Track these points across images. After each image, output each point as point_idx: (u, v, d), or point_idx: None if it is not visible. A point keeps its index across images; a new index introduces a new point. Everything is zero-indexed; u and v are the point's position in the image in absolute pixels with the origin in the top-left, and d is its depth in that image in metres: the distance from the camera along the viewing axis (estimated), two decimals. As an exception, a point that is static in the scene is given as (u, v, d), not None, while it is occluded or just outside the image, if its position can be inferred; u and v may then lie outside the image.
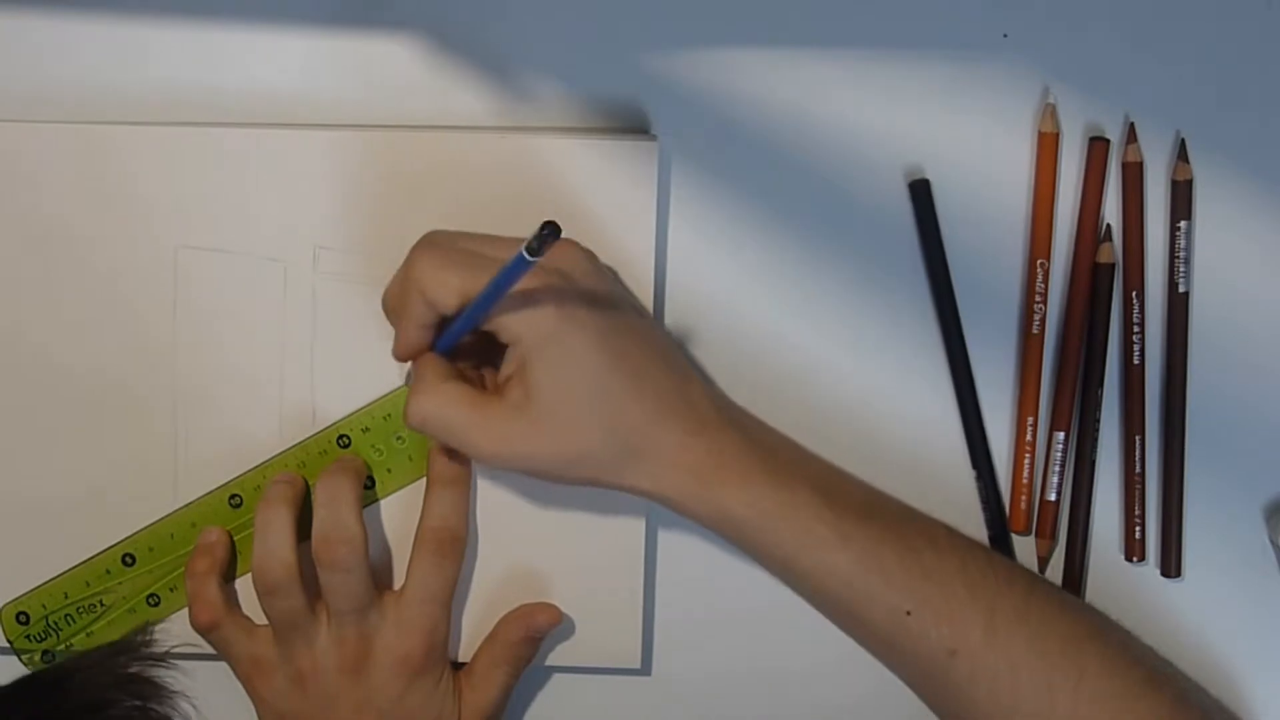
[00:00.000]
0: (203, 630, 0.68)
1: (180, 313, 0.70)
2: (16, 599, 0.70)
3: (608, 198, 0.68)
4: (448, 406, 0.62)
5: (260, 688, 0.68)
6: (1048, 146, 0.69)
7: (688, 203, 0.70)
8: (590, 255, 0.64)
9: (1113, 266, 0.69)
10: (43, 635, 0.70)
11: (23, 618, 0.70)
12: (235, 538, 0.70)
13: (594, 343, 0.62)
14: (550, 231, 0.56)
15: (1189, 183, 0.69)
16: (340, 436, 0.69)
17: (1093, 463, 0.70)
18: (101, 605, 0.70)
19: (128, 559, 0.70)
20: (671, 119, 0.70)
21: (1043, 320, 0.70)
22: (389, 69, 0.70)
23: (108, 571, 0.70)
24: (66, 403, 0.70)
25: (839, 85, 0.70)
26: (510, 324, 0.61)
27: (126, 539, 0.70)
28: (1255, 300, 0.70)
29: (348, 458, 0.69)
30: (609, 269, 0.66)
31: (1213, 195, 0.70)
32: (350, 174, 0.69)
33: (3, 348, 0.70)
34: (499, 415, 0.62)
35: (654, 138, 0.69)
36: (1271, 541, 0.70)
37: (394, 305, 0.65)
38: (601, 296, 0.63)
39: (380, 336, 0.69)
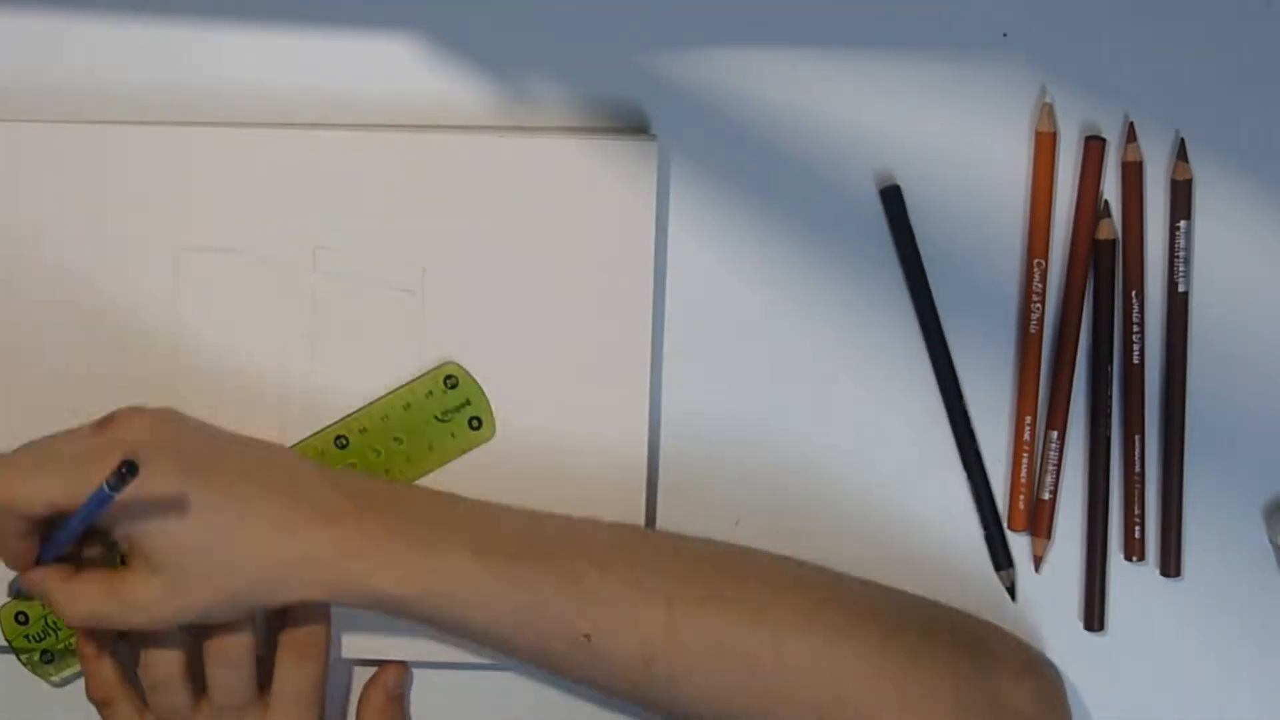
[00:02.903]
0: (97, 704, 0.68)
1: (180, 313, 0.70)
2: (13, 602, 0.70)
3: (607, 197, 0.69)
4: (95, 602, 0.63)
5: None
6: (1045, 146, 0.69)
7: (687, 202, 0.70)
8: (160, 414, 0.65)
9: (1114, 243, 0.69)
10: (42, 635, 0.70)
11: (21, 618, 0.70)
12: None
13: (190, 499, 0.62)
14: (129, 470, 0.58)
15: (1189, 182, 0.69)
16: (338, 438, 0.69)
17: (1092, 462, 0.70)
18: None
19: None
20: (671, 119, 0.70)
21: (1040, 319, 0.70)
22: (389, 69, 0.70)
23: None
24: (67, 403, 0.70)
25: (838, 84, 0.70)
26: (106, 518, 0.62)
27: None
28: (1255, 300, 0.70)
29: None
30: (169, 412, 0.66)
31: (1213, 195, 0.70)
32: (350, 174, 0.69)
33: (3, 348, 0.70)
34: (141, 589, 0.62)
35: (653, 137, 0.69)
36: (1271, 541, 0.70)
37: None
38: (184, 449, 0.63)
39: (380, 335, 0.69)
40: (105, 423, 0.64)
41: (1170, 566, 0.70)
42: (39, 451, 0.64)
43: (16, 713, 0.72)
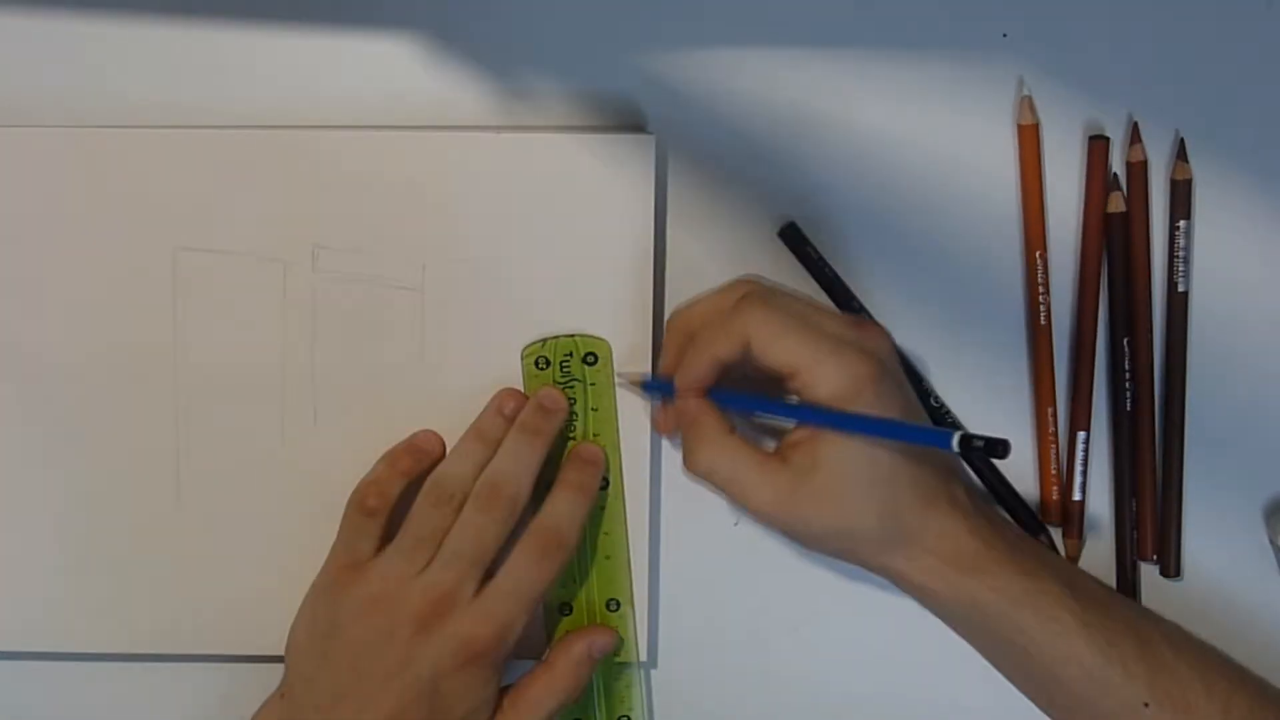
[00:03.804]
0: (356, 508, 0.68)
1: (180, 314, 0.70)
2: None
3: (606, 193, 0.69)
4: (734, 462, 0.64)
5: (342, 589, 0.66)
6: (1028, 139, 0.69)
7: (685, 197, 0.70)
8: (892, 341, 0.66)
9: (1125, 215, 0.69)
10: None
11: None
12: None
13: (871, 440, 0.63)
14: (1001, 450, 0.58)
15: (1188, 182, 0.69)
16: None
17: (1117, 463, 0.70)
18: None
19: None
20: (668, 117, 0.70)
21: (1048, 311, 0.70)
22: (389, 69, 0.70)
23: None
24: (67, 404, 0.70)
25: (837, 84, 0.70)
26: (818, 392, 0.62)
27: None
28: (1255, 300, 0.70)
29: (556, 406, 0.69)
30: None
31: (1212, 195, 0.70)
32: (349, 173, 0.69)
33: (3, 349, 0.70)
34: (783, 479, 0.63)
35: (650, 133, 0.69)
36: (1271, 541, 0.70)
37: (698, 337, 0.65)
38: (898, 385, 0.65)
39: (381, 333, 0.69)
40: (861, 325, 0.65)
41: (1170, 567, 0.70)
42: (797, 309, 0.64)
43: (17, 713, 0.72)
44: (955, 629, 0.66)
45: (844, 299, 0.70)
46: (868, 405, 0.62)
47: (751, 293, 0.65)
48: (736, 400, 0.66)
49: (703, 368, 0.65)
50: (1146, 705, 0.63)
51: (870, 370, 0.62)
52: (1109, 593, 0.67)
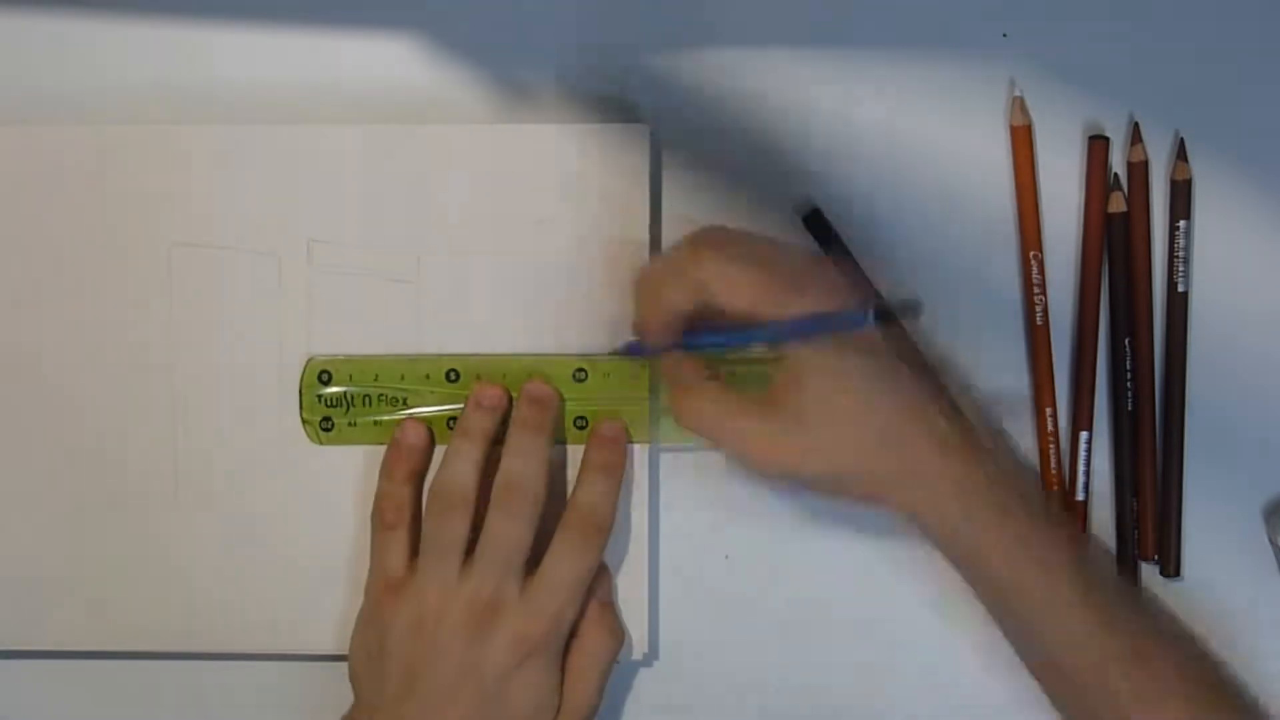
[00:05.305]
0: (377, 526, 0.67)
1: (175, 310, 0.70)
2: (328, 357, 0.69)
3: (601, 184, 0.69)
4: (723, 411, 0.63)
5: (386, 612, 0.66)
6: (1021, 139, 0.69)
7: (680, 190, 0.70)
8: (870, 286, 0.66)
9: (1125, 215, 0.69)
10: (335, 402, 0.69)
11: (325, 376, 0.69)
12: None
13: (872, 363, 0.62)
14: (913, 310, 0.59)
15: (1188, 182, 0.69)
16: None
17: (1118, 463, 0.70)
18: (404, 404, 0.69)
19: (452, 374, 0.69)
20: (664, 115, 0.70)
21: (1045, 311, 0.69)
22: (383, 64, 0.70)
23: (427, 376, 0.69)
24: (62, 401, 0.70)
25: (834, 82, 0.70)
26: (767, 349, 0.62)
27: (458, 355, 0.69)
28: (1255, 300, 0.70)
29: (547, 397, 0.68)
30: None
31: (1212, 195, 0.70)
32: (342, 167, 0.69)
33: (1, 345, 0.70)
34: (774, 424, 0.62)
35: (645, 123, 0.69)
36: (1271, 541, 0.70)
37: (655, 290, 0.63)
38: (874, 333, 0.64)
39: (376, 326, 0.69)
40: (828, 262, 0.65)
41: (1170, 566, 0.70)
42: (756, 251, 0.63)
43: (17, 714, 0.72)
44: (950, 563, 0.64)
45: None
46: (840, 340, 0.61)
47: (707, 240, 0.63)
48: (707, 341, 0.63)
49: (660, 322, 0.63)
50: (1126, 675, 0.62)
51: (838, 303, 0.61)
52: (1113, 579, 0.67)
